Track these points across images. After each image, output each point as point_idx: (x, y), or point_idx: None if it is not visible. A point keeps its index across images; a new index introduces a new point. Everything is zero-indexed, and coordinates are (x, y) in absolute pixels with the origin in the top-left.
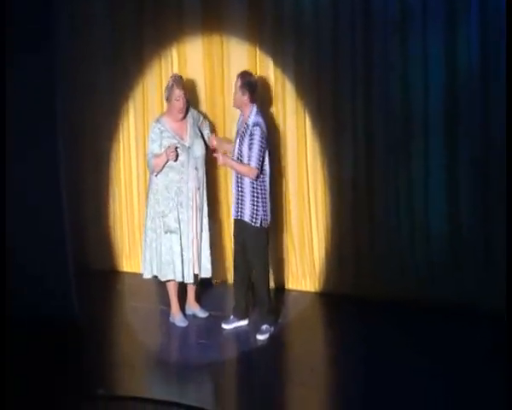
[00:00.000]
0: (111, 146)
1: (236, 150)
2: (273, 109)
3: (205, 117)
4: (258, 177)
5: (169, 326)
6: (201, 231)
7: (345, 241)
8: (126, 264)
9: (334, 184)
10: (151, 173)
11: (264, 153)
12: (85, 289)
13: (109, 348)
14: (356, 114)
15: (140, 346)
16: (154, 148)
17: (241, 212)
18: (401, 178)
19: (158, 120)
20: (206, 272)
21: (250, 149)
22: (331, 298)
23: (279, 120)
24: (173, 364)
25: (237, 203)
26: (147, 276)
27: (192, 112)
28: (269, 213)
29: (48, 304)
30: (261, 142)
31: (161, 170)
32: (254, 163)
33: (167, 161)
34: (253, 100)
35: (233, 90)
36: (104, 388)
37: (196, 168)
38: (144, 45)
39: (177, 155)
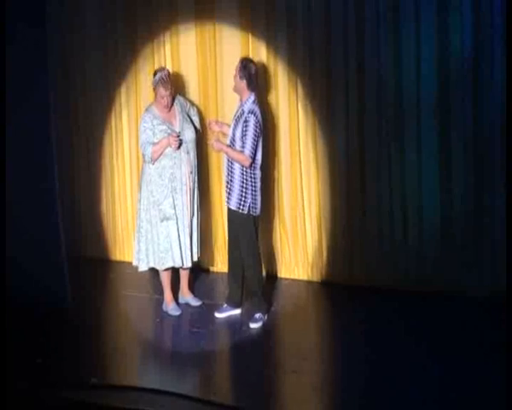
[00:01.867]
0: (104, 134)
1: (230, 135)
2: (266, 95)
3: (192, 103)
4: (251, 165)
5: (162, 315)
6: (193, 215)
7: (337, 229)
8: (119, 253)
9: (326, 170)
10: (148, 162)
11: (257, 142)
12: (78, 277)
13: (102, 337)
14: (349, 101)
15: (133, 335)
16: (148, 136)
17: (228, 198)
18: (394, 166)
19: (147, 110)
20: (194, 256)
21: (244, 135)
22: (324, 286)
23: (272, 107)
24: (166, 352)
25: (227, 187)
26: (143, 268)
27: (178, 98)
28: (259, 202)
29: (40, 292)
30: (255, 130)
31: (159, 157)
32: (248, 151)
33: (166, 148)
34: (251, 87)
35: (233, 74)
36: (97, 377)
37: (188, 152)
38: (137, 33)
39: (180, 144)
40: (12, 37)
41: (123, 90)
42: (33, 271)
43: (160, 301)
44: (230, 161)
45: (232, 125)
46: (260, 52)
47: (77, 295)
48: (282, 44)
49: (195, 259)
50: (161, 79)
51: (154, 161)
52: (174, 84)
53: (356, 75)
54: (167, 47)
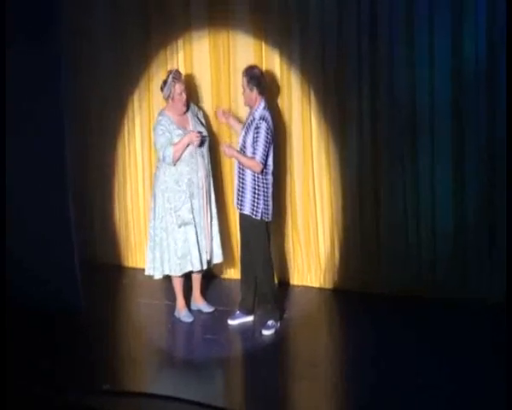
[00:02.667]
0: (116, 140)
1: (240, 141)
2: (279, 102)
3: (199, 108)
4: (262, 171)
5: (174, 322)
6: (211, 218)
7: (350, 236)
8: (132, 259)
9: (339, 179)
10: (169, 164)
11: (269, 148)
12: (90, 283)
13: (114, 343)
14: (362, 108)
15: (145, 341)
16: (167, 138)
17: (241, 204)
18: (407, 173)
19: (162, 114)
20: (218, 258)
21: (256, 142)
22: (336, 293)
23: (285, 113)
24: (178, 359)
25: (238, 195)
26: (158, 276)
27: (191, 104)
28: (271, 207)
29: (53, 298)
30: (266, 136)
31: (180, 157)
32: (259, 157)
33: (187, 146)
34: (261, 93)
35: (241, 90)
36: (109, 383)
37: (203, 156)
38: (150, 38)
39: (202, 141)
40: (25, 44)
41: (135, 96)
42: (45, 275)
43: (172, 308)
44: (242, 167)
45: (243, 133)
46: (273, 59)
47: (89, 300)
48: (295, 52)
49: (220, 260)
50: (174, 76)
51: (175, 161)
52: (188, 88)
53: (369, 82)
54: (180, 54)
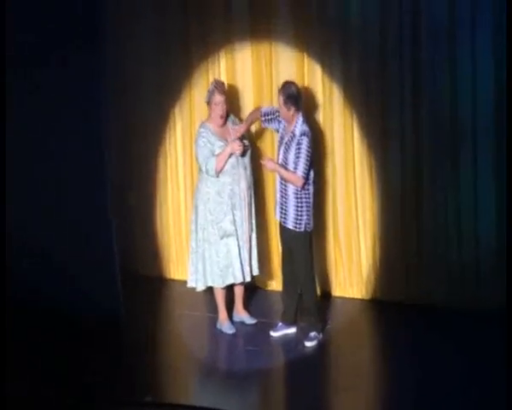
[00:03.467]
0: (158, 151)
1: (281, 158)
2: (321, 116)
3: (240, 120)
4: (304, 185)
5: (216, 333)
6: (252, 230)
7: (392, 247)
8: (174, 271)
9: (381, 190)
10: (212, 175)
11: (310, 162)
12: (131, 294)
13: (156, 355)
14: (404, 120)
15: (187, 353)
16: (209, 149)
17: (284, 217)
18: (449, 185)
19: (203, 126)
20: (255, 271)
21: (297, 157)
22: (378, 305)
23: (327, 128)
24: (220, 371)
25: (281, 208)
26: (201, 288)
27: (231, 116)
28: (311, 217)
29: (95, 309)
30: (308, 151)
31: (223, 168)
32: (301, 172)
33: (230, 156)
34: (298, 109)
35: (278, 105)
36: (151, 395)
37: (245, 168)
38: (192, 50)
39: (244, 150)
40: (70, 59)
41: (177, 108)
42: (87, 285)
43: (214, 320)
44: (284, 182)
45: (282, 150)
46: (315, 73)
47: (130, 312)
48: (337, 65)
49: (256, 273)
50: (216, 85)
51: (218, 172)
52: (228, 100)
53: (411, 95)
54: (222, 65)
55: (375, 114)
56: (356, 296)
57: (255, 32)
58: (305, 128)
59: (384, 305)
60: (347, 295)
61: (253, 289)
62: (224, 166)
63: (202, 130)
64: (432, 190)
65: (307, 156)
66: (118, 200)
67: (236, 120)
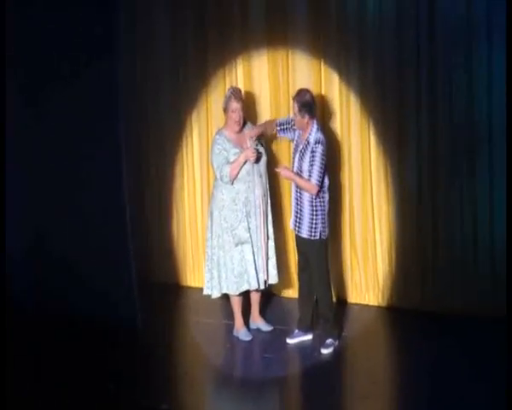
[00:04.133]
0: (174, 158)
1: (296, 166)
2: (337, 123)
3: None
4: (318, 193)
5: (233, 341)
6: (268, 237)
7: (409, 254)
8: (190, 278)
9: (398, 197)
10: (226, 183)
11: (324, 169)
12: (147, 302)
13: (172, 362)
14: (420, 128)
15: (203, 360)
16: (224, 157)
17: (299, 226)
18: (465, 192)
19: (219, 133)
20: (273, 279)
21: (312, 165)
22: (395, 312)
23: (343, 134)
24: (237, 378)
25: (296, 217)
26: (216, 295)
27: (247, 123)
28: (327, 225)
29: (111, 316)
30: (322, 159)
31: (237, 175)
32: (315, 180)
33: (245, 163)
34: (313, 117)
35: (291, 113)
36: (167, 403)
37: (260, 175)
38: (208, 58)
39: (258, 157)
40: (88, 69)
41: (194, 116)
42: (104, 295)
43: (231, 327)
44: (298, 190)
45: (297, 158)
46: (332, 80)
47: (147, 319)
48: (354, 72)
49: (275, 281)
50: (233, 92)
51: (232, 179)
52: (245, 107)
53: (428, 102)
54: (239, 71)
55: (391, 120)
56: (372, 303)
57: (272, 39)
58: (320, 136)
59: (400, 312)
60: (363, 302)
61: (270, 297)
62: (238, 173)
63: (218, 137)
64: (448, 196)
65: (321, 164)
66: (135, 207)
67: (249, 124)
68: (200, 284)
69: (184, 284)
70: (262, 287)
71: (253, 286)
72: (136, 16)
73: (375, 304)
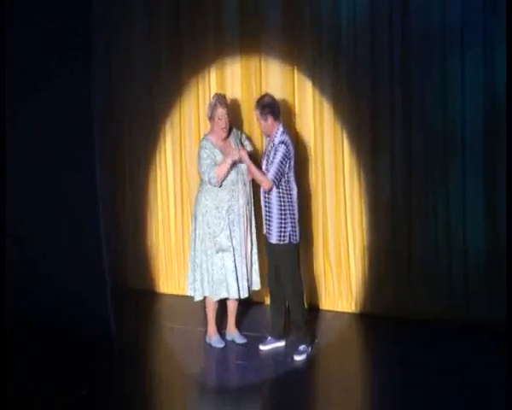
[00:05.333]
0: (149, 168)
1: (263, 169)
2: (311, 130)
3: (247, 136)
4: (270, 190)
5: (206, 348)
6: (252, 246)
7: (382, 261)
8: (163, 285)
9: (371, 203)
10: (214, 185)
11: (284, 169)
12: (121, 308)
13: (145, 369)
14: (394, 133)
15: (177, 367)
16: (212, 160)
17: (268, 231)
18: (439, 197)
19: (206, 139)
20: (256, 285)
21: (272, 162)
22: (367, 319)
23: (317, 141)
24: (210, 385)
25: (265, 223)
26: (198, 298)
27: (232, 130)
28: (298, 228)
29: (84, 322)
30: (283, 158)
31: (225, 177)
32: (272, 175)
33: (232, 168)
34: (276, 118)
35: (257, 122)
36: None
37: (244, 184)
38: (182, 67)
39: (249, 155)
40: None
41: (167, 124)
42: (77, 302)
43: (204, 334)
44: (267, 196)
45: (264, 162)
46: (306, 87)
47: (120, 326)
48: (328, 80)
49: (258, 288)
50: (218, 99)
51: (220, 181)
52: (231, 112)
53: (401, 109)
54: (212, 79)
55: (365, 127)
56: (345, 310)
57: (245, 45)
58: (285, 138)
59: (373, 319)
60: (337, 309)
61: (248, 304)
62: (226, 176)
63: (205, 143)
64: (422, 203)
65: (281, 163)
66: (109, 215)
67: (239, 133)
68: (173, 291)
69: (158, 290)
70: (244, 296)
71: (232, 295)
72: (111, 24)
73: (349, 311)
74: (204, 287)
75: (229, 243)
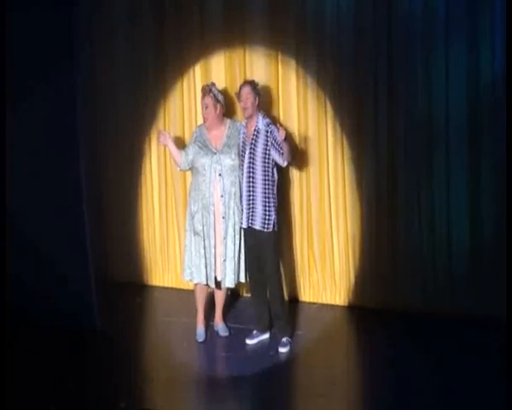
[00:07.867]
0: (133, 162)
1: (247, 157)
2: (295, 120)
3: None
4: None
5: (193, 340)
6: (225, 239)
7: (365, 253)
8: (147, 277)
9: (355, 196)
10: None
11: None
12: (106, 301)
13: (130, 361)
14: (378, 124)
15: (162, 359)
16: (187, 147)
17: (252, 219)
18: (423, 191)
19: (198, 127)
20: (230, 282)
21: (277, 142)
22: (351, 310)
23: (301, 131)
24: (195, 377)
25: (248, 211)
26: (186, 278)
27: (235, 124)
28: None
29: (70, 315)
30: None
31: (176, 161)
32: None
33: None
34: (259, 105)
35: (243, 102)
36: (126, 401)
37: (220, 175)
38: (167, 64)
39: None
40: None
41: (152, 122)
42: (63, 294)
43: (189, 326)
44: (252, 177)
45: (248, 149)
46: (290, 75)
47: (105, 319)
48: (312, 68)
49: (231, 285)
50: (202, 89)
51: (178, 165)
52: (225, 105)
53: (386, 99)
54: (197, 70)
55: (349, 116)
56: (329, 302)
57: (229, 35)
58: (269, 119)
59: (357, 310)
60: (320, 301)
61: (237, 296)
62: (176, 160)
63: (197, 129)
64: (406, 195)
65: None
66: (94, 209)
67: (237, 124)
68: (158, 283)
69: (142, 282)
70: (211, 285)
71: (203, 281)
72: (95, 24)
73: (333, 303)
74: (191, 268)
75: (201, 228)
